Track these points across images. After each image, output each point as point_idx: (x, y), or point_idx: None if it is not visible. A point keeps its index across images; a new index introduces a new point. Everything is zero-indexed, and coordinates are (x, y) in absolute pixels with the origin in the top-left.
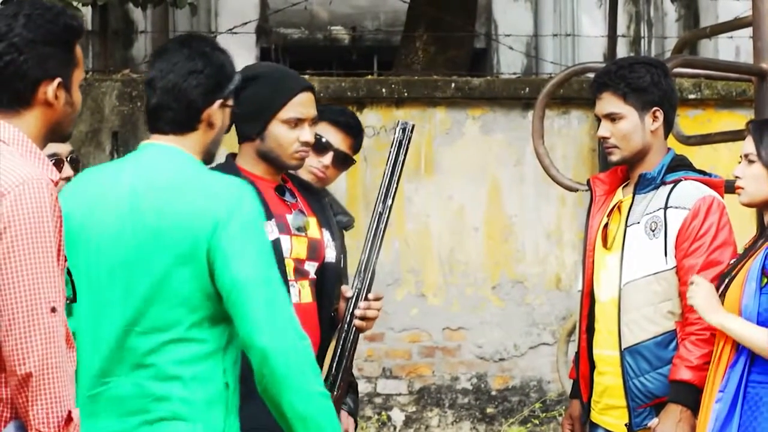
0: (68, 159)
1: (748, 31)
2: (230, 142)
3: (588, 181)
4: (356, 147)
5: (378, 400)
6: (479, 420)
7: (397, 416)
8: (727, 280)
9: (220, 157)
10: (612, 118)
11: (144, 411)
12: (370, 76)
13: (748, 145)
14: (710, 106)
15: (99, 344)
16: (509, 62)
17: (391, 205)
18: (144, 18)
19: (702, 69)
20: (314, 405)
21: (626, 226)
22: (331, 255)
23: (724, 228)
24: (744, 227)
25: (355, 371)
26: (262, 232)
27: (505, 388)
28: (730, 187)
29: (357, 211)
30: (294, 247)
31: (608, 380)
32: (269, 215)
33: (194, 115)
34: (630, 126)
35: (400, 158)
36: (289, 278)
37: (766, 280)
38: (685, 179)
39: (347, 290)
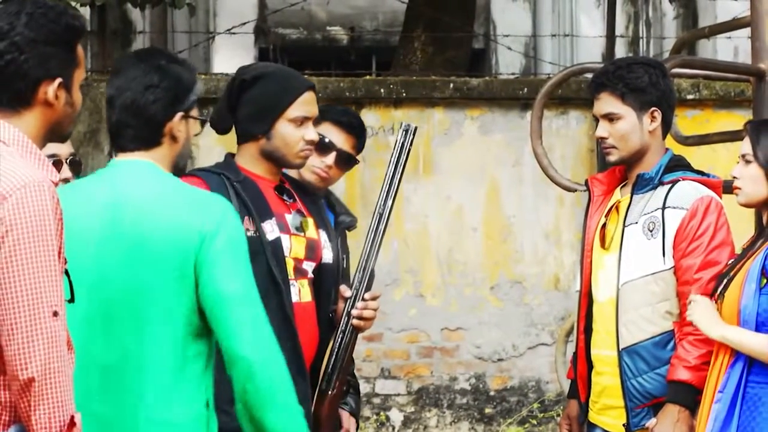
0: (68, 161)
1: (746, 32)
2: (230, 143)
3: (586, 182)
4: (359, 147)
5: (376, 401)
6: (478, 420)
7: (396, 416)
8: (725, 281)
9: (219, 157)
10: (610, 118)
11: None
12: (368, 77)
13: (746, 145)
14: (708, 106)
15: (85, 361)
16: (508, 62)
17: (392, 206)
18: (142, 18)
19: (700, 69)
20: (295, 421)
21: (624, 226)
22: (327, 256)
23: (722, 228)
24: (743, 227)
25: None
26: (246, 248)
27: (504, 389)
28: (728, 188)
29: (356, 211)
30: (293, 247)
31: (606, 380)
32: (270, 214)
33: (156, 129)
34: (628, 126)
35: (402, 159)
36: (289, 277)
37: (765, 281)
38: (683, 179)
39: (346, 290)
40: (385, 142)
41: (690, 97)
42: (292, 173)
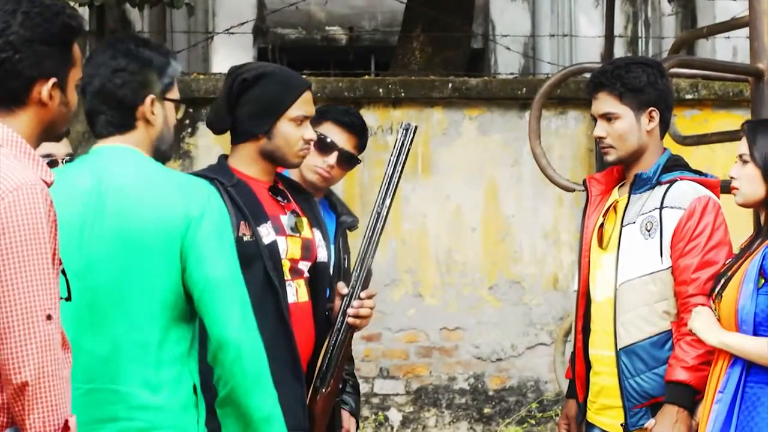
0: (64, 161)
1: (745, 32)
2: (229, 143)
3: (584, 181)
4: (361, 147)
5: (375, 401)
6: (476, 420)
7: (395, 416)
8: (723, 281)
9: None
10: (608, 118)
11: (117, 419)
12: (367, 77)
13: (743, 145)
14: (707, 106)
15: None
16: (507, 62)
17: (390, 204)
18: (141, 18)
19: (699, 69)
20: (276, 406)
21: (622, 226)
22: (322, 254)
23: (720, 228)
24: (741, 227)
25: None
26: (231, 232)
27: (503, 389)
28: (726, 187)
29: (355, 211)
30: (289, 248)
31: (604, 380)
32: (265, 217)
33: (127, 113)
34: (626, 126)
35: (402, 158)
36: (285, 278)
37: (763, 281)
38: (681, 179)
39: (343, 287)
40: (384, 142)
41: (689, 97)
42: (294, 174)
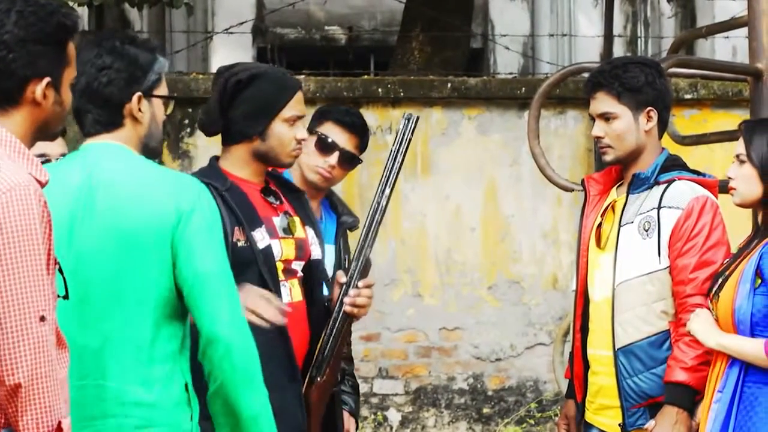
0: (58, 161)
1: (744, 31)
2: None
3: (582, 181)
4: (362, 146)
5: (374, 400)
6: (475, 420)
7: (394, 416)
8: (720, 280)
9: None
10: (606, 117)
11: (109, 416)
12: (366, 77)
13: (740, 145)
14: (706, 106)
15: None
16: (506, 62)
17: (390, 194)
18: (140, 18)
19: (698, 69)
20: (266, 404)
21: (620, 225)
22: (316, 252)
23: (718, 228)
24: (740, 226)
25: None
26: (220, 228)
27: (502, 388)
28: (724, 187)
29: (354, 211)
30: (283, 250)
31: (602, 380)
32: (259, 222)
33: (114, 111)
34: (624, 126)
35: (402, 149)
36: (279, 279)
37: (760, 281)
38: (679, 179)
39: (341, 276)
40: (383, 141)
41: (688, 96)
42: (295, 174)
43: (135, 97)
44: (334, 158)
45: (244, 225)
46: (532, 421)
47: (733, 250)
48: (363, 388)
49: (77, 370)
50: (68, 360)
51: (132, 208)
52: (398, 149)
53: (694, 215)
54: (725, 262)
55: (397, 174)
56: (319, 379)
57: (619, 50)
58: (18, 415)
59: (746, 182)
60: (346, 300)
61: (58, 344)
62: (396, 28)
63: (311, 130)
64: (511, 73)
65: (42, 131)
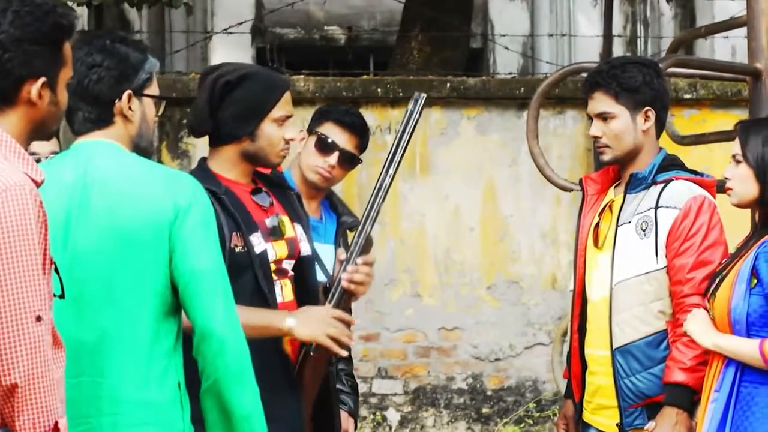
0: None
1: (743, 31)
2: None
3: (580, 181)
4: (362, 146)
5: (373, 400)
6: (474, 420)
7: (393, 416)
8: (717, 280)
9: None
10: (604, 117)
11: (103, 413)
12: (365, 76)
13: (736, 145)
14: (705, 106)
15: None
16: (506, 62)
17: (395, 174)
18: (139, 18)
19: (697, 69)
20: (258, 403)
21: (617, 225)
22: (305, 249)
23: (715, 227)
24: (740, 227)
25: None
26: (215, 224)
27: (501, 388)
28: (722, 187)
29: (353, 211)
30: (276, 252)
31: (600, 380)
32: (255, 226)
33: (104, 109)
34: (621, 126)
35: (409, 128)
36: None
37: (755, 281)
38: (676, 179)
39: (342, 253)
40: (382, 141)
41: (687, 96)
42: (295, 174)
43: (125, 95)
44: (333, 158)
45: (244, 230)
46: (530, 421)
47: (732, 249)
48: (362, 388)
49: (73, 367)
50: (64, 360)
51: (128, 205)
52: (404, 129)
53: (692, 215)
54: (723, 261)
55: (403, 153)
56: (312, 353)
57: (618, 50)
58: (15, 415)
59: (742, 182)
60: (344, 275)
61: (54, 344)
62: (395, 28)
63: (311, 130)
64: (510, 73)
65: (37, 131)
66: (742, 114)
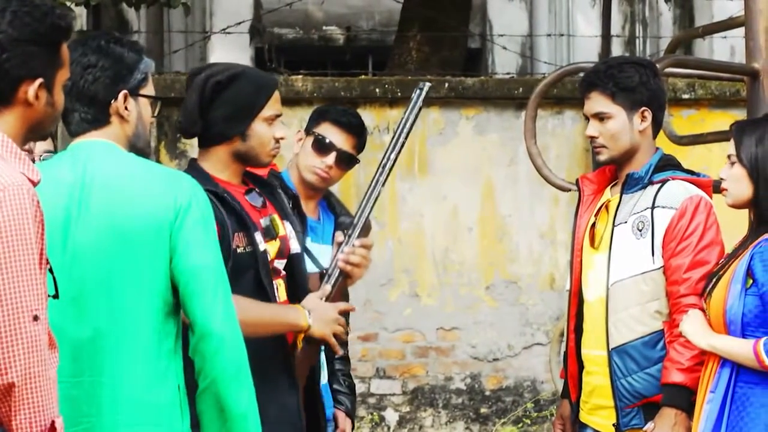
0: (41, 158)
1: (742, 31)
2: None
3: (576, 181)
4: (360, 146)
5: (371, 400)
6: (473, 420)
7: (391, 416)
8: (714, 280)
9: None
10: (600, 117)
11: (103, 414)
12: (363, 76)
13: (730, 146)
14: (704, 106)
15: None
16: (504, 62)
17: (395, 160)
18: (138, 18)
19: (694, 69)
20: (254, 402)
21: (614, 225)
22: (294, 246)
23: (711, 228)
24: (737, 227)
25: None
26: (214, 222)
27: (499, 388)
28: (718, 187)
29: (351, 211)
30: (270, 252)
31: (596, 380)
32: (254, 227)
33: (100, 110)
34: (618, 126)
35: (412, 117)
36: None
37: (751, 282)
38: (673, 179)
39: (339, 236)
40: (380, 142)
41: (685, 96)
42: (292, 175)
43: (121, 96)
44: (331, 158)
45: (250, 230)
46: (528, 421)
47: (729, 250)
48: (360, 388)
49: (73, 366)
50: (57, 360)
51: (129, 204)
52: (408, 117)
53: (688, 215)
54: (720, 262)
55: (405, 140)
56: (304, 347)
57: (617, 50)
58: (11, 415)
59: (736, 183)
60: (340, 256)
61: (49, 344)
62: (394, 28)
63: (308, 131)
64: (508, 73)
65: (34, 132)
66: (741, 114)
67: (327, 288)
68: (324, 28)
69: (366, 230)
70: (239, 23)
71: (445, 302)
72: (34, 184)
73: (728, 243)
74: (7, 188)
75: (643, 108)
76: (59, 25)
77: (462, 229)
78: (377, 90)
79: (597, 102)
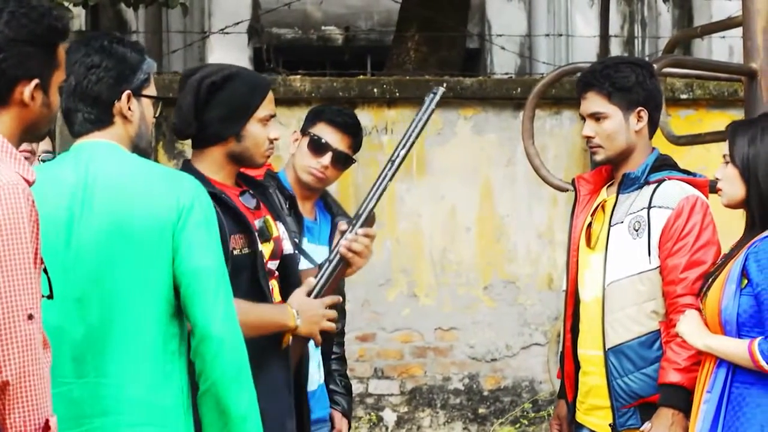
0: (40, 158)
1: (740, 31)
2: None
3: (573, 181)
4: (356, 146)
5: (370, 401)
6: (471, 420)
7: (389, 416)
8: (710, 280)
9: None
10: (596, 117)
11: (107, 414)
12: (362, 77)
13: (725, 146)
14: (702, 106)
15: (59, 344)
16: (503, 62)
17: (405, 156)
18: (136, 18)
19: (692, 69)
20: (255, 404)
21: (610, 225)
22: (287, 247)
23: (708, 228)
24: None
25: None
26: (216, 223)
27: (497, 389)
28: (714, 187)
29: (350, 212)
30: (264, 253)
31: (593, 380)
32: (252, 228)
33: (104, 110)
34: (614, 126)
35: (425, 117)
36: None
37: (745, 282)
38: (669, 179)
39: (343, 224)
40: (378, 142)
41: (683, 96)
42: (289, 175)
43: (124, 96)
44: (327, 159)
45: (251, 231)
46: (526, 421)
47: (726, 250)
48: (358, 388)
49: (76, 367)
50: (50, 359)
51: (132, 204)
52: (421, 117)
53: (684, 215)
54: (716, 262)
55: (416, 138)
56: (291, 341)
57: (616, 50)
58: (6, 413)
59: (730, 183)
60: (342, 242)
61: (42, 343)
62: (392, 29)
63: (304, 131)
64: (507, 74)
65: (29, 132)
66: (739, 114)
67: (311, 281)
68: (322, 28)
69: (370, 221)
70: (238, 23)
71: (443, 302)
72: (30, 183)
73: (725, 243)
74: (2, 188)
75: (640, 108)
76: (56, 27)
77: (460, 229)
78: (375, 90)
79: (593, 102)
